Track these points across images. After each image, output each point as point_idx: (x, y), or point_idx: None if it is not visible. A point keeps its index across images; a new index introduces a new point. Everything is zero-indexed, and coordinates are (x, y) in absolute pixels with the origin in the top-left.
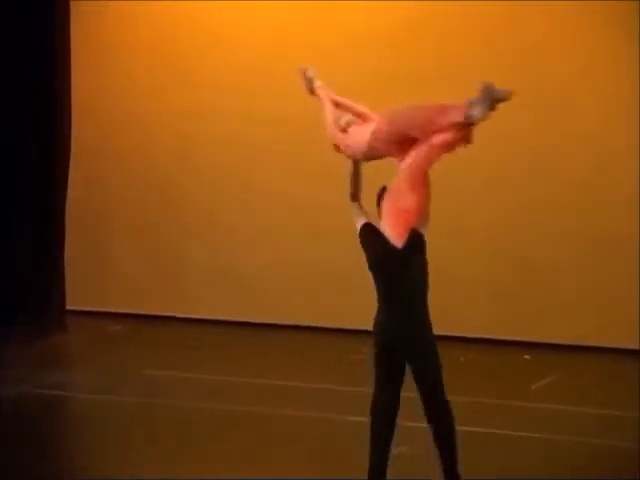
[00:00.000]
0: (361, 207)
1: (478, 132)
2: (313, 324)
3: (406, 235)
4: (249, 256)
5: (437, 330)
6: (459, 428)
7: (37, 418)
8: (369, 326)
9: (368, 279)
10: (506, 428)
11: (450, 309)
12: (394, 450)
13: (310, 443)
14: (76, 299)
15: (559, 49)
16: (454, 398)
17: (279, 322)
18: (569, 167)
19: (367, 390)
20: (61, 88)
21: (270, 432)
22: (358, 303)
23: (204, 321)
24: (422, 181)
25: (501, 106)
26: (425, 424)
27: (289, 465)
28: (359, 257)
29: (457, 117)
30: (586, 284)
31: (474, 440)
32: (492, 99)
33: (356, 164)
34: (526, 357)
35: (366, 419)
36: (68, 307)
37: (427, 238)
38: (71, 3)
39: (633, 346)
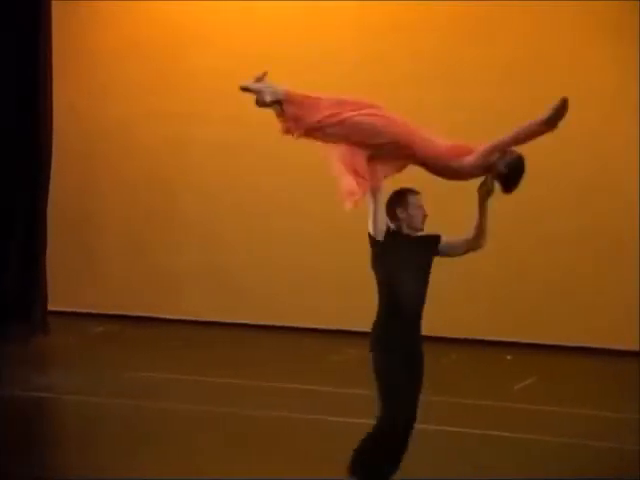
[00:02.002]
0: None
1: (476, 132)
2: (299, 325)
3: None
4: (234, 257)
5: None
6: (442, 428)
7: (21, 420)
8: (353, 327)
9: (354, 281)
10: (488, 428)
11: (433, 309)
12: None
13: (295, 444)
14: (60, 300)
15: (558, 49)
16: (437, 398)
17: (265, 323)
18: (566, 168)
19: (351, 391)
20: (43, 90)
21: (256, 433)
22: (344, 304)
23: (189, 322)
24: None
25: (500, 106)
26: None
27: (273, 466)
28: (345, 259)
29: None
30: (572, 285)
31: (457, 440)
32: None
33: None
34: (508, 358)
35: (347, 419)
36: (53, 308)
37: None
38: (60, 7)
39: (618, 347)
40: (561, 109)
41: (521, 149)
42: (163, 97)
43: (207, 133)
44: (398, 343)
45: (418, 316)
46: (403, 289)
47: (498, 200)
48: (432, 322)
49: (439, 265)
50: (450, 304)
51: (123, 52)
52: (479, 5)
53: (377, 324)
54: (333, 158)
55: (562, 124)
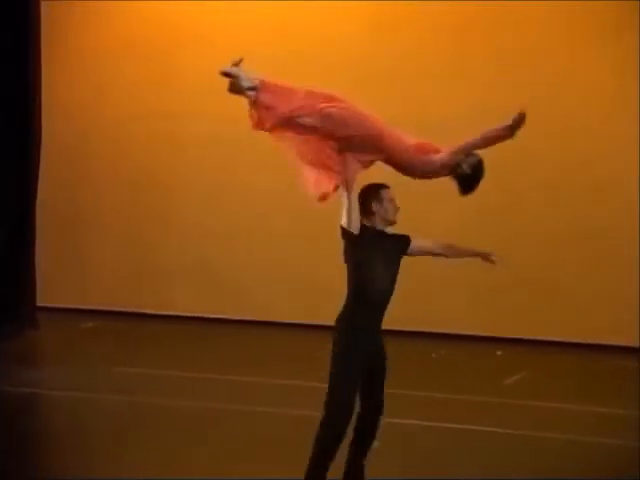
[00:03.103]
0: None
1: (475, 131)
2: (293, 321)
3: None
4: (226, 253)
5: (410, 326)
6: (432, 424)
7: (9, 415)
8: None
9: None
10: (479, 424)
11: (423, 305)
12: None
13: (289, 440)
14: (50, 296)
15: (558, 49)
16: (427, 394)
17: (257, 319)
18: (567, 166)
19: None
20: (32, 89)
21: (249, 429)
22: (338, 301)
23: (180, 318)
24: None
25: (496, 102)
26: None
27: (266, 461)
28: (334, 255)
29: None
30: (566, 281)
31: (447, 436)
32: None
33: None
34: (498, 353)
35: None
36: (43, 304)
37: (411, 225)
38: (54, 6)
39: (606, 342)
40: (520, 120)
41: (529, 148)
42: (157, 95)
43: (201, 130)
44: (360, 327)
45: (382, 307)
46: (370, 278)
47: (497, 197)
48: (423, 317)
49: (432, 260)
50: (441, 299)
51: (117, 51)
52: (478, 4)
53: (344, 309)
54: (294, 155)
55: (562, 123)
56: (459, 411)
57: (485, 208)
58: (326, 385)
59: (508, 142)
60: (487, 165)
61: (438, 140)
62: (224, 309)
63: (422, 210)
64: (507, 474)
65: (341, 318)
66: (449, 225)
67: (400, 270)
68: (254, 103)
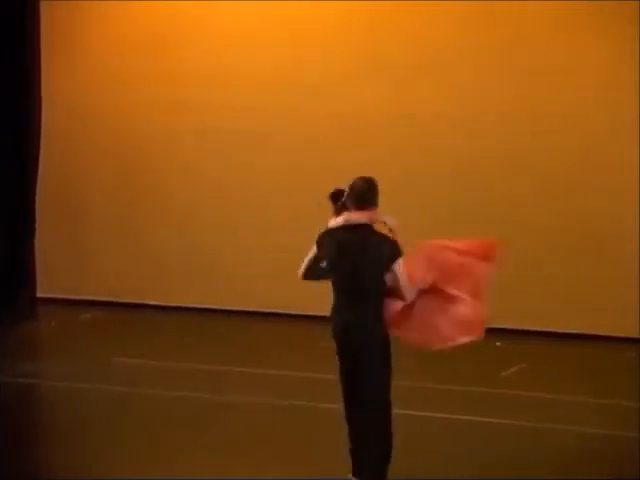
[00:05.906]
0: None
1: (469, 125)
2: (291, 312)
3: None
4: (224, 244)
5: None
6: (431, 414)
7: (7, 406)
8: None
9: None
10: (477, 414)
11: None
12: None
13: (286, 431)
14: (48, 287)
15: (558, 48)
16: (425, 384)
17: (255, 310)
18: (567, 162)
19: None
20: (31, 80)
21: (248, 420)
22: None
23: (177, 308)
24: None
25: (490, 97)
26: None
27: (265, 452)
28: None
29: None
30: (566, 272)
31: (446, 426)
32: None
33: None
34: (498, 344)
35: (337, 406)
36: (40, 295)
37: (406, 223)
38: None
39: (606, 333)
40: None
41: (528, 144)
42: (157, 86)
43: (199, 121)
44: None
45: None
46: None
47: (497, 190)
48: None
49: None
50: None
51: (118, 43)
52: (478, 3)
53: None
54: None
55: (562, 125)
56: (459, 402)
57: (487, 202)
58: (329, 376)
59: (508, 140)
60: (489, 161)
61: (434, 137)
62: (223, 300)
63: (423, 208)
64: (505, 465)
65: None
66: (451, 222)
67: None
68: None
